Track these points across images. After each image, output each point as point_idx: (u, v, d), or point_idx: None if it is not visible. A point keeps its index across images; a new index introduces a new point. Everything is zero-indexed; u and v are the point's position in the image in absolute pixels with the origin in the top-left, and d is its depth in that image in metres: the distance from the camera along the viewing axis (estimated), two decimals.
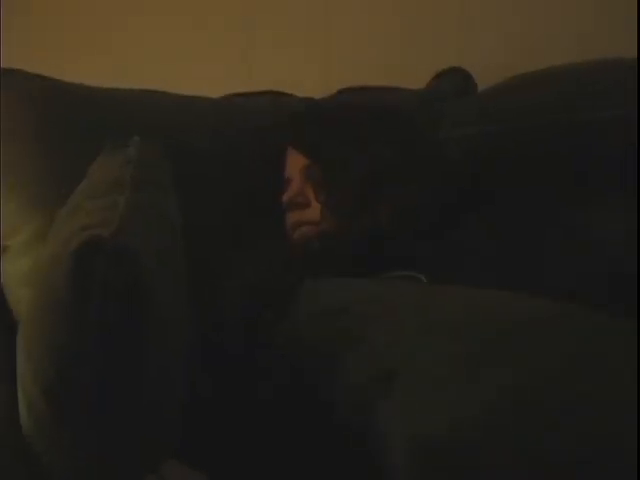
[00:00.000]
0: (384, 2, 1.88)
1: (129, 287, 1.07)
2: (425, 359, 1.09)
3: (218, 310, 1.29)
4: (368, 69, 1.76)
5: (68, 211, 1.24)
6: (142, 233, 1.14)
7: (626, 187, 1.46)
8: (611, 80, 1.53)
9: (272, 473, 1.14)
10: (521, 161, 1.52)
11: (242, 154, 1.54)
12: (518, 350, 1.09)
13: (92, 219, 1.14)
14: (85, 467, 1.10)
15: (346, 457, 1.11)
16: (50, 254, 1.15)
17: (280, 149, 1.50)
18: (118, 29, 2.01)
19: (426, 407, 1.04)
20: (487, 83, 1.65)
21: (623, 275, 1.38)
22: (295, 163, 1.47)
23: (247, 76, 1.78)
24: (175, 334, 1.16)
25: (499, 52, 1.77)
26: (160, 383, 1.13)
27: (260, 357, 1.21)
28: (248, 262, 1.35)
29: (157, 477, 1.13)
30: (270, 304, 1.23)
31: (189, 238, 1.28)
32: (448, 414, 1.03)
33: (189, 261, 1.26)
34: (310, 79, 1.68)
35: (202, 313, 1.25)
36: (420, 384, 1.07)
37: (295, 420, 1.16)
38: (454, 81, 1.68)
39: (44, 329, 1.10)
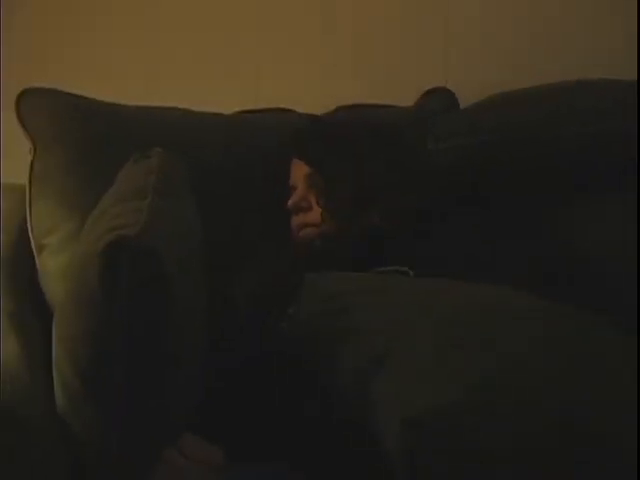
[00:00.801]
0: (376, 28, 1.86)
1: (151, 280, 1.08)
2: (415, 344, 1.08)
3: (227, 317, 1.29)
4: (361, 88, 1.75)
5: (98, 214, 1.24)
6: (162, 234, 1.14)
7: (609, 192, 1.47)
8: (592, 98, 1.53)
9: (279, 447, 1.14)
10: (502, 170, 1.52)
11: (251, 168, 1.52)
12: (500, 337, 1.08)
13: (119, 221, 1.14)
14: (113, 440, 1.10)
15: (346, 433, 1.10)
16: (82, 252, 1.16)
17: (285, 160, 1.50)
18: (135, 46, 1.95)
19: (415, 389, 1.03)
20: (468, 101, 1.64)
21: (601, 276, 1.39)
22: (299, 172, 1.47)
23: (254, 93, 1.77)
24: (192, 322, 1.16)
25: (478, 73, 1.76)
26: (179, 367, 1.14)
27: (268, 350, 1.21)
28: (254, 269, 1.34)
29: (176, 449, 1.13)
30: (273, 307, 1.23)
31: (210, 243, 1.28)
32: (436, 396, 1.01)
33: (206, 258, 1.27)
34: (310, 96, 1.68)
35: (218, 301, 1.26)
36: (409, 366, 1.05)
37: (301, 400, 1.16)
38: (439, 99, 1.68)
39: (77, 318, 1.11)
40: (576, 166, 1.50)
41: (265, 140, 1.56)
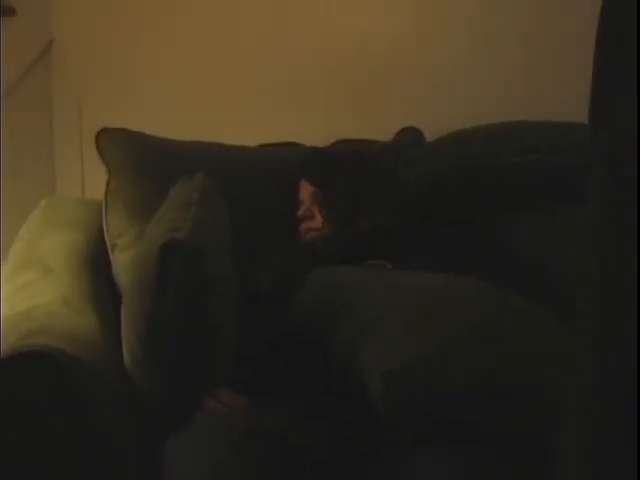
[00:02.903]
0: (368, 80, 1.82)
1: (194, 271, 1.09)
2: (393, 316, 1.08)
3: (256, 286, 1.30)
4: (353, 126, 1.75)
5: (155, 221, 1.25)
6: (203, 237, 1.15)
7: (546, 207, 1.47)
8: (520, 135, 1.54)
9: (288, 395, 1.13)
10: (458, 190, 1.51)
11: (269, 187, 1.50)
12: (457, 311, 1.08)
13: (171, 227, 1.14)
14: (166, 391, 1.10)
15: (339, 384, 1.10)
16: (144, 249, 1.16)
17: (295, 181, 1.50)
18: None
19: (393, 350, 1.03)
20: (432, 137, 1.64)
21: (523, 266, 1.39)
22: (305, 190, 1.46)
23: (270, 129, 1.76)
24: (226, 303, 1.16)
25: (441, 116, 1.76)
26: (215, 337, 1.14)
27: (283, 320, 1.21)
28: (273, 263, 1.34)
29: (213, 398, 1.13)
30: (288, 292, 1.23)
31: (237, 245, 1.28)
32: (409, 355, 1.02)
33: (235, 256, 1.27)
34: (314, 132, 1.67)
35: (244, 288, 1.26)
36: (389, 334, 1.05)
37: (307, 361, 1.15)
38: (410, 136, 1.68)
39: (140, 300, 1.11)
40: (519, 188, 1.49)
41: (279, 166, 1.55)
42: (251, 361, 1.18)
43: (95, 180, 1.54)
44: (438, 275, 1.18)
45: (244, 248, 1.32)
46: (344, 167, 1.48)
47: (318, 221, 1.43)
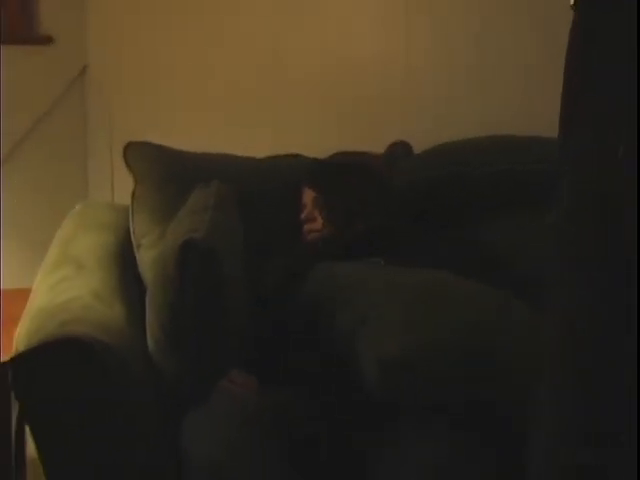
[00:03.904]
0: (366, 98, 1.83)
1: (212, 268, 1.08)
2: (388, 309, 1.07)
3: (265, 280, 1.29)
4: (351, 139, 1.74)
5: (175, 223, 1.24)
6: (218, 237, 1.14)
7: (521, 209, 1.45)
8: (497, 148, 1.53)
9: (294, 377, 1.13)
10: (444, 195, 1.49)
11: (275, 193, 1.49)
12: (446, 303, 1.08)
13: (189, 228, 1.14)
14: (186, 373, 1.10)
15: (339, 369, 1.09)
16: (165, 248, 1.15)
17: (299, 188, 1.49)
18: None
19: (387, 339, 1.03)
20: (419, 150, 1.63)
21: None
22: (308, 195, 1.44)
23: (277, 142, 1.75)
24: (238, 293, 1.15)
25: (428, 130, 1.75)
26: (229, 324, 1.13)
27: (288, 309, 1.21)
28: (280, 260, 1.33)
29: (227, 378, 1.12)
30: (293, 285, 1.22)
31: (248, 244, 1.27)
32: (401, 344, 1.01)
33: (246, 253, 1.26)
34: (316, 144, 1.66)
35: (254, 282, 1.26)
36: (384, 326, 1.05)
37: (311, 348, 1.15)
38: (400, 149, 1.67)
39: (162, 292, 1.11)
40: (496, 193, 1.48)
41: (285, 175, 1.54)
42: (260, 347, 1.17)
43: (123, 187, 1.54)
44: (430, 272, 1.18)
45: (254, 247, 1.30)
46: (342, 175, 1.46)
47: (319, 223, 1.42)
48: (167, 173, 1.43)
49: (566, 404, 0.59)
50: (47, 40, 1.87)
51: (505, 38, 1.76)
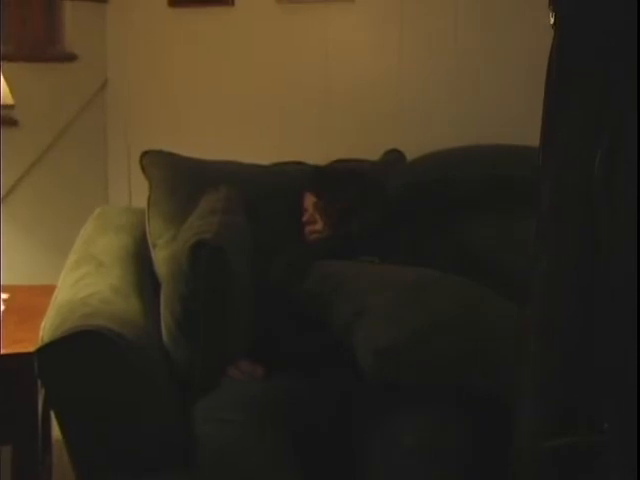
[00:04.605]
0: (354, 111, 1.83)
1: (220, 265, 1.07)
2: (381, 303, 1.07)
3: (270, 276, 1.29)
4: (349, 148, 1.73)
5: (187, 225, 1.23)
6: (227, 237, 1.13)
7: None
8: (482, 155, 1.52)
9: (296, 365, 1.12)
10: (432, 197, 1.49)
11: (280, 197, 1.49)
12: (433, 299, 1.08)
13: (200, 229, 1.13)
14: (197, 360, 1.09)
15: (337, 358, 1.09)
16: (178, 248, 1.14)
17: (301, 192, 1.48)
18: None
19: (380, 331, 1.03)
20: (411, 157, 1.63)
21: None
22: (310, 200, 1.44)
23: (282, 150, 1.75)
24: (244, 288, 1.14)
25: (419, 140, 1.74)
26: (236, 316, 1.13)
27: (291, 303, 1.20)
28: (283, 259, 1.32)
29: (234, 366, 1.12)
30: (295, 282, 1.22)
31: (255, 243, 1.27)
32: (394, 334, 1.01)
33: (253, 251, 1.26)
34: (316, 153, 1.66)
35: (260, 278, 1.25)
36: (377, 319, 1.05)
37: (311, 338, 1.14)
38: (393, 156, 1.67)
39: (175, 287, 1.09)
40: (480, 197, 1.47)
41: (288, 180, 1.53)
42: (265, 338, 1.17)
43: (140, 192, 1.54)
44: (420, 269, 1.17)
45: (260, 246, 1.30)
46: (341, 182, 1.46)
47: (319, 225, 1.41)
48: (180, 179, 1.42)
49: (542, 389, 0.58)
50: (72, 58, 1.88)
51: (489, 56, 1.75)
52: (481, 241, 1.43)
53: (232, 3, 1.85)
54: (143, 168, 1.44)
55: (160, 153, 1.46)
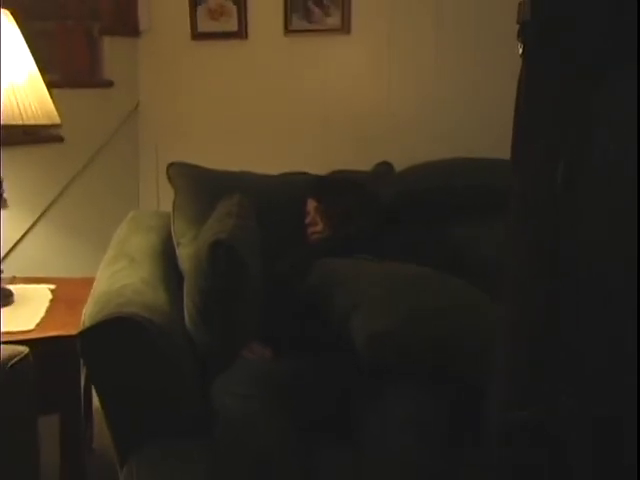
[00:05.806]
0: (350, 127, 1.83)
1: (235, 261, 1.06)
2: (376, 296, 1.06)
3: (277, 272, 1.27)
4: (345, 160, 1.72)
5: (206, 227, 1.22)
6: (241, 237, 1.13)
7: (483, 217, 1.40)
8: (462, 166, 1.52)
9: (299, 349, 1.11)
10: (420, 204, 1.47)
11: (285, 203, 1.47)
12: (422, 291, 1.07)
13: (218, 230, 1.12)
14: (215, 344, 1.08)
15: (336, 343, 1.08)
16: (199, 246, 1.13)
17: (304, 198, 1.47)
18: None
19: (374, 320, 1.02)
20: (399, 169, 1.61)
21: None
22: (312, 204, 1.43)
23: (286, 162, 1.73)
24: (256, 282, 1.13)
25: (407, 153, 1.73)
26: (250, 306, 1.12)
27: (296, 296, 1.19)
28: (288, 258, 1.31)
29: (247, 348, 1.11)
30: (299, 278, 1.20)
31: (263, 244, 1.24)
32: (384, 323, 1.00)
33: (263, 250, 1.24)
34: (317, 164, 1.65)
35: (269, 274, 1.23)
36: (372, 309, 1.03)
37: (313, 327, 1.13)
38: (384, 168, 1.66)
39: (196, 281, 1.09)
40: (462, 200, 1.46)
41: (293, 188, 1.52)
42: (274, 325, 1.16)
43: (166, 198, 1.53)
44: (409, 266, 1.16)
45: (268, 246, 1.29)
46: (339, 189, 1.45)
47: (320, 227, 1.40)
48: (201, 187, 1.41)
49: (512, 369, 0.58)
50: (109, 84, 1.90)
51: (468, 81, 1.74)
52: (465, 241, 1.42)
53: (246, 37, 1.87)
54: (169, 178, 1.44)
55: (184, 165, 1.46)
